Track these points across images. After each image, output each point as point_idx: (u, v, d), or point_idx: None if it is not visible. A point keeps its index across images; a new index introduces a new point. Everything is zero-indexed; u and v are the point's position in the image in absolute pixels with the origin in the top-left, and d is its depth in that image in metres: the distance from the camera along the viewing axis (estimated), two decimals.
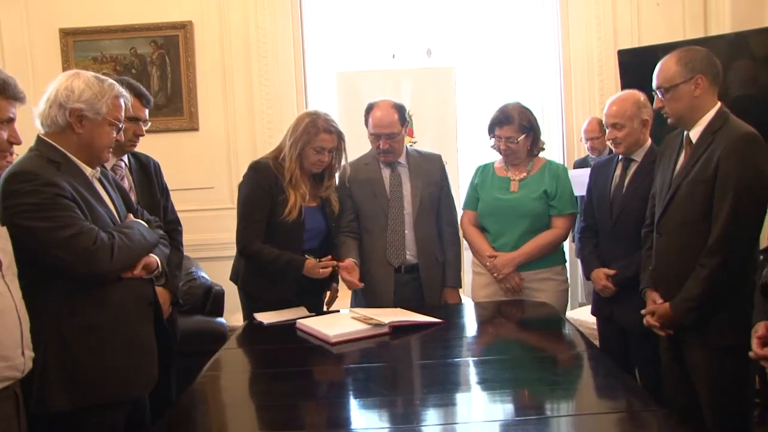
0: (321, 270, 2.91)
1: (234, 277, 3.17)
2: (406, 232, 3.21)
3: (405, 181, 3.25)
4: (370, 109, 3.23)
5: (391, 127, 3.16)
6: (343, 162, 3.12)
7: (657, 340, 2.59)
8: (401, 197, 3.23)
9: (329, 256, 2.98)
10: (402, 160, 3.28)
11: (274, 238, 2.97)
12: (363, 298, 3.19)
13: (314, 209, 3.07)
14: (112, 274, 2.06)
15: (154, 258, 2.25)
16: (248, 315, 3.02)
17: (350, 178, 3.19)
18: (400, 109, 3.21)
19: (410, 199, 3.23)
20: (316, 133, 2.94)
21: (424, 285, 3.23)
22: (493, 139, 3.19)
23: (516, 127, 3.11)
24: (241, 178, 4.97)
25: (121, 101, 2.19)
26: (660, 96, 2.46)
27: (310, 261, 2.92)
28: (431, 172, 3.30)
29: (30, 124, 2.13)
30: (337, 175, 3.17)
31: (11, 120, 1.84)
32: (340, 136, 3.02)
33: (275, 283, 3.00)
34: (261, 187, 2.97)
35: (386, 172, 3.25)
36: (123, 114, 2.21)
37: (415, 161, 3.30)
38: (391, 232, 3.17)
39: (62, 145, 2.09)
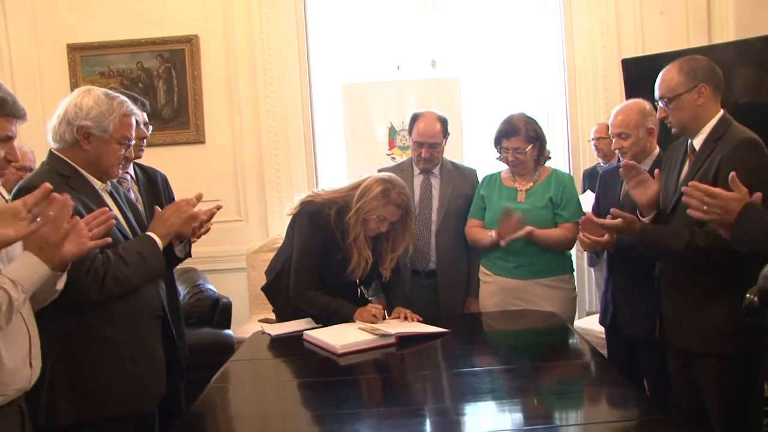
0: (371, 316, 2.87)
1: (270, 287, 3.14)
2: (430, 239, 3.29)
3: (435, 190, 3.34)
4: (415, 118, 3.34)
5: (434, 137, 3.29)
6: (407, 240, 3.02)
7: (665, 348, 2.59)
8: (429, 205, 3.33)
9: (380, 307, 2.94)
10: (436, 170, 3.37)
11: (326, 285, 2.95)
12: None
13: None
14: (101, 302, 2.05)
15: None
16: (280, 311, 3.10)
17: None
18: (443, 122, 3.33)
19: (437, 208, 3.31)
20: (385, 204, 2.86)
21: (440, 291, 3.30)
22: (500, 152, 3.20)
23: (523, 138, 3.13)
24: (248, 190, 4.99)
25: (132, 119, 2.20)
26: (663, 106, 2.46)
27: (360, 310, 2.89)
28: (462, 184, 3.38)
29: (43, 138, 2.16)
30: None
31: (10, 138, 1.76)
32: (407, 212, 2.94)
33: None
34: (321, 239, 2.92)
35: (418, 180, 3.35)
36: (133, 132, 2.22)
37: (448, 173, 3.38)
38: (416, 238, 3.16)
39: (72, 159, 2.12)
